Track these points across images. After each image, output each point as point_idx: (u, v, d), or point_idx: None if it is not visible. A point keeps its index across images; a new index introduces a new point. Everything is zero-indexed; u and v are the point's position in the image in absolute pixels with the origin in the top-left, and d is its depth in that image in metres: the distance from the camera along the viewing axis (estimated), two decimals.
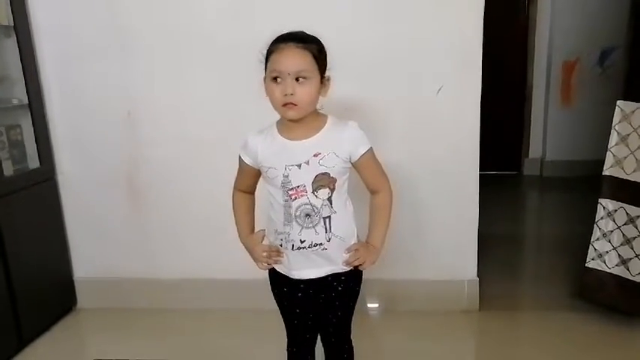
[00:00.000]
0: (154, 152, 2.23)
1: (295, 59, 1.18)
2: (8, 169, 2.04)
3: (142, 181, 2.27)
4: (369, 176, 1.32)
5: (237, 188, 1.40)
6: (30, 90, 2.12)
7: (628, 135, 2.04)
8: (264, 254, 1.33)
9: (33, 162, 2.19)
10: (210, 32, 2.10)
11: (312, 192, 1.24)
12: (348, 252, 1.31)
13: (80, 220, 2.34)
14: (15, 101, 2.12)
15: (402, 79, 2.08)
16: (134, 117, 2.21)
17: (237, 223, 1.41)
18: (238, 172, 1.37)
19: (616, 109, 2.06)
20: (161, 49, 2.14)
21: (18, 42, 2.07)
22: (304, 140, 1.24)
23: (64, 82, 2.21)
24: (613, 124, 2.08)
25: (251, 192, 1.39)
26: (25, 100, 2.12)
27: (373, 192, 1.35)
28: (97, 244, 2.36)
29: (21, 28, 2.07)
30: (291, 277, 1.33)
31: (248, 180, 1.36)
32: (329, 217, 1.26)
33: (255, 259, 1.37)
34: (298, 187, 1.23)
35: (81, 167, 2.28)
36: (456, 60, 2.06)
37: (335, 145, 1.24)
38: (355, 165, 1.29)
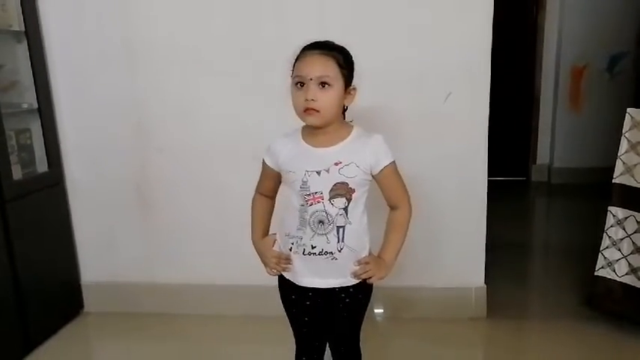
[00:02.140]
0: (161, 159, 2.24)
1: (318, 65, 1.20)
2: (17, 173, 2.05)
3: (149, 188, 2.28)
4: (389, 190, 1.31)
5: (258, 191, 1.42)
6: (40, 95, 2.14)
7: (638, 142, 2.03)
8: (274, 260, 1.33)
9: (42, 166, 2.20)
10: (220, 42, 2.11)
11: (329, 200, 1.24)
12: (358, 264, 1.30)
13: (88, 225, 2.35)
14: (25, 105, 2.13)
15: (410, 87, 2.08)
16: (142, 124, 2.22)
17: (252, 225, 1.42)
18: (261, 175, 1.39)
19: (626, 117, 2.05)
20: (170, 58, 2.14)
21: (29, 47, 2.09)
22: (327, 148, 1.25)
23: (73, 87, 2.22)
24: (623, 132, 2.06)
25: (271, 196, 1.40)
26: (35, 105, 2.14)
27: (392, 207, 1.34)
28: (104, 249, 2.36)
29: (32, 34, 2.09)
30: (298, 284, 1.33)
31: (269, 183, 1.37)
32: (343, 227, 1.25)
33: (265, 264, 1.38)
34: (315, 193, 1.24)
35: (89, 172, 2.29)
36: (464, 67, 2.05)
37: (357, 156, 1.24)
38: (376, 178, 1.28)
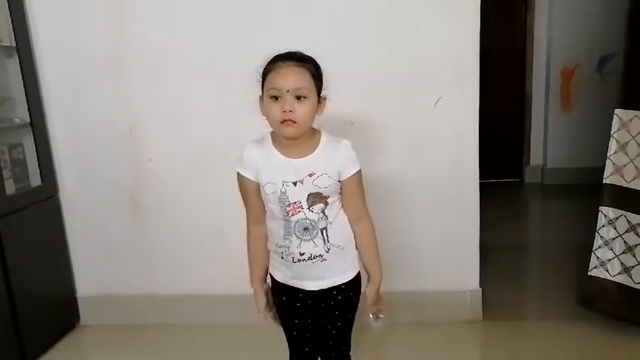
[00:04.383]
0: (155, 169, 2.25)
1: (295, 77, 1.20)
2: (10, 188, 2.05)
3: (143, 198, 2.28)
4: (352, 198, 1.31)
5: (250, 220, 1.37)
6: (32, 109, 2.14)
7: (627, 143, 2.05)
8: (262, 314, 1.42)
9: (35, 180, 2.20)
10: (210, 50, 2.12)
11: (308, 208, 1.26)
12: (371, 311, 1.40)
13: (83, 238, 2.35)
14: (17, 120, 2.14)
15: (400, 92, 2.10)
16: (135, 135, 2.22)
17: (249, 267, 1.41)
18: (243, 197, 1.34)
19: (614, 118, 2.07)
20: (162, 69, 2.15)
21: (20, 62, 2.09)
22: (300, 159, 1.26)
23: (65, 100, 2.23)
24: (612, 132, 2.08)
25: (264, 221, 1.35)
26: (27, 119, 2.14)
27: (355, 220, 1.33)
28: (99, 261, 2.36)
29: (23, 49, 2.10)
30: (292, 285, 1.35)
31: (256, 200, 1.32)
32: (325, 228, 1.28)
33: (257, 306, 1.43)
34: (295, 203, 1.26)
35: (83, 184, 2.30)
36: (453, 71, 2.07)
37: (328, 166, 1.26)
38: (342, 183, 1.29)
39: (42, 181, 2.21)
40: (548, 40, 4.43)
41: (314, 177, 1.24)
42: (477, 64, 2.06)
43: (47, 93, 2.21)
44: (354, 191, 1.31)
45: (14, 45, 2.07)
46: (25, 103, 2.13)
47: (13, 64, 2.11)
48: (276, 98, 1.20)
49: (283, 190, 1.25)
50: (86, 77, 2.20)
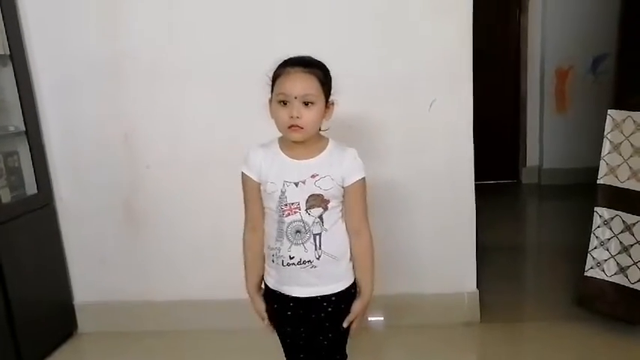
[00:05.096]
0: (151, 176, 2.24)
1: (302, 83, 1.21)
2: (6, 196, 2.06)
3: (139, 205, 2.28)
4: (354, 206, 1.31)
5: (248, 223, 1.37)
6: (27, 117, 2.14)
7: (620, 143, 2.06)
8: (263, 320, 1.41)
9: (31, 188, 2.20)
10: (208, 56, 2.12)
11: (306, 210, 1.26)
12: (347, 322, 1.35)
13: (79, 245, 2.35)
14: (12, 128, 2.14)
15: (394, 94, 2.10)
16: (131, 142, 2.22)
17: (245, 271, 1.41)
18: (245, 198, 1.35)
19: (607, 118, 2.08)
20: (157, 74, 2.16)
21: (14, 70, 2.09)
22: (305, 160, 1.27)
23: (60, 108, 2.23)
24: (605, 133, 2.09)
25: (262, 226, 1.35)
26: (22, 127, 2.14)
27: (354, 230, 1.33)
28: (96, 269, 2.36)
29: (17, 57, 2.10)
30: (281, 292, 1.34)
31: (257, 201, 1.33)
32: (319, 234, 1.27)
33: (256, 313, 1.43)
34: (293, 204, 1.26)
35: (79, 192, 2.29)
36: (448, 72, 2.08)
37: (332, 169, 1.27)
38: (345, 190, 1.30)
39: (37, 189, 2.20)
40: (542, 41, 4.45)
41: (317, 178, 1.26)
42: (471, 64, 2.07)
43: (42, 101, 2.21)
44: (357, 198, 1.31)
45: (8, 53, 2.07)
46: (20, 111, 2.12)
47: (8, 73, 2.10)
48: (284, 103, 1.22)
49: (283, 189, 1.26)
50: (81, 84, 2.20)
